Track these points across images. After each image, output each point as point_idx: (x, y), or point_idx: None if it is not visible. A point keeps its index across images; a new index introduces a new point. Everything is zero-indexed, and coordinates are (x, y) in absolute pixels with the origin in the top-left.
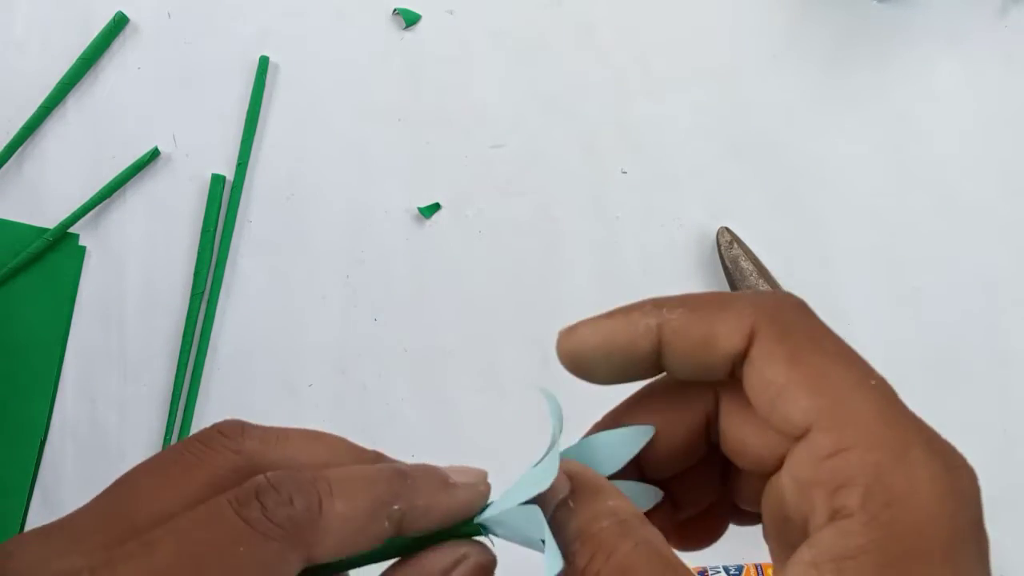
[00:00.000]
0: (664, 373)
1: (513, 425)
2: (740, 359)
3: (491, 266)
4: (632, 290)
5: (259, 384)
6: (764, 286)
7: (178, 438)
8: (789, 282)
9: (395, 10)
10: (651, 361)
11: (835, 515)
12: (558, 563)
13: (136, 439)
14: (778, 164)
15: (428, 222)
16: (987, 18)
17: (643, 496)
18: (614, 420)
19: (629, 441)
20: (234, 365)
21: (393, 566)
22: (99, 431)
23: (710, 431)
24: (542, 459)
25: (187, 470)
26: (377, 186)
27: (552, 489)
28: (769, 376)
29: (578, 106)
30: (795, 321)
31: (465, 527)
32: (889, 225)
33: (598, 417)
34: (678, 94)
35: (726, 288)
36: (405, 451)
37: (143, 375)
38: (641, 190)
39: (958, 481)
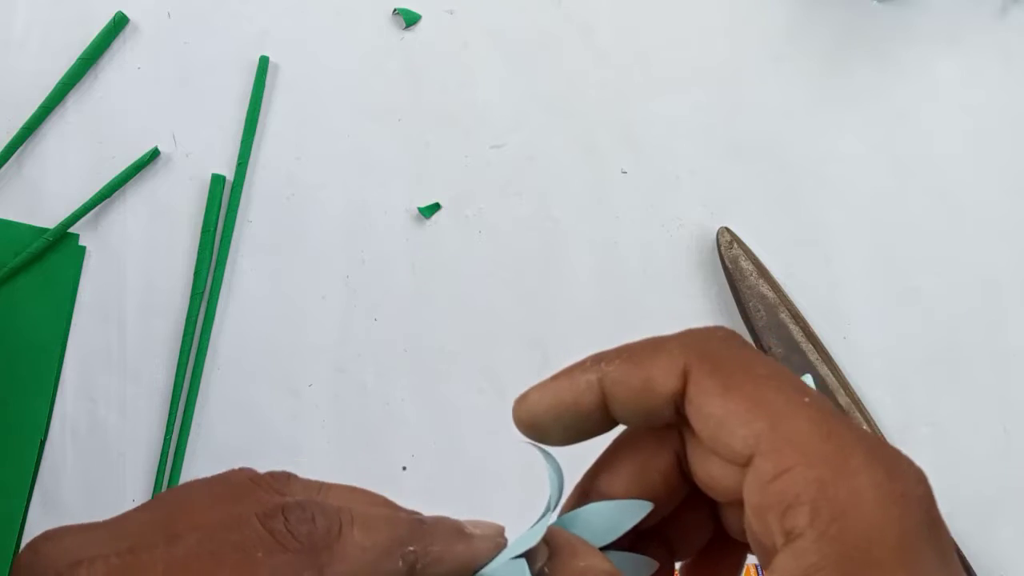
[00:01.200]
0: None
1: (513, 425)
2: (680, 398)
3: (491, 266)
4: (632, 290)
5: (259, 384)
6: (764, 286)
7: (178, 438)
8: (789, 282)
9: (395, 10)
10: (600, 415)
11: (788, 537)
12: None
13: (136, 439)
14: (778, 164)
15: (428, 222)
16: (987, 18)
17: (636, 567)
18: (591, 478)
19: (626, 512)
20: (234, 365)
21: None
22: (99, 431)
23: (684, 470)
24: (536, 522)
25: (235, 497)
26: (377, 186)
27: (532, 554)
28: (707, 411)
29: (578, 106)
30: (724, 352)
31: None
32: (889, 225)
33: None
34: (678, 94)
35: (726, 289)
36: (405, 451)
37: (143, 375)
38: (641, 190)
39: (902, 485)
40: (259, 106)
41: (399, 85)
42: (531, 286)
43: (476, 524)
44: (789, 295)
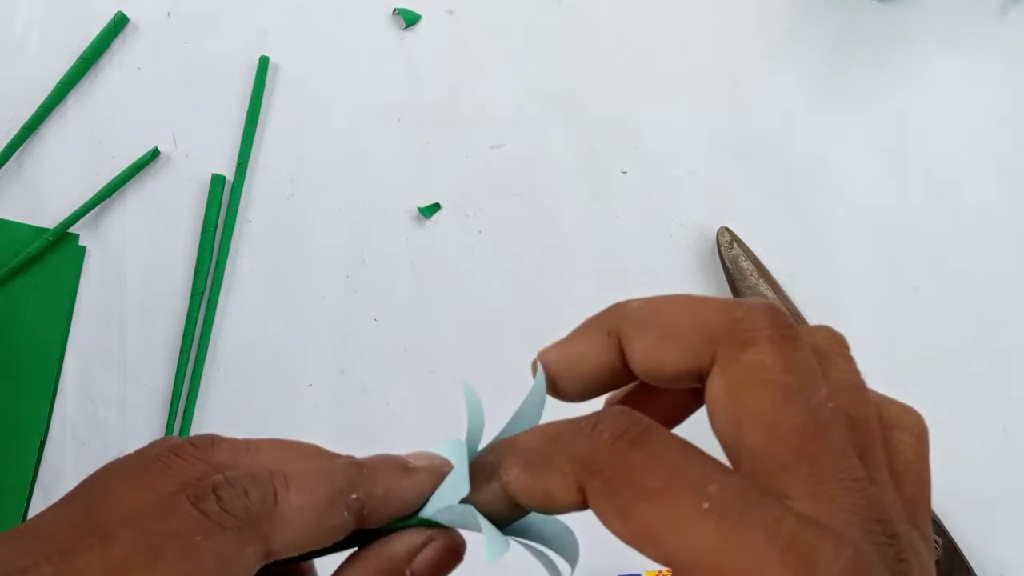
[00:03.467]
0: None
1: None
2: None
3: (491, 266)
4: (632, 290)
5: (259, 384)
6: (764, 286)
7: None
8: (789, 282)
9: (395, 10)
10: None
11: None
12: (503, 547)
13: (136, 439)
14: (778, 164)
15: (428, 222)
16: (987, 18)
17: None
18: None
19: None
20: (234, 365)
21: (357, 551)
22: (99, 431)
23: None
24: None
25: (157, 476)
26: (377, 186)
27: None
28: (617, 534)
29: (578, 106)
30: (614, 471)
31: (418, 521)
32: (889, 225)
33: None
34: (678, 94)
35: (726, 289)
36: (405, 451)
37: (143, 375)
38: (641, 190)
39: None
40: (259, 106)
41: (399, 85)
42: (531, 286)
43: (418, 456)
44: (789, 295)
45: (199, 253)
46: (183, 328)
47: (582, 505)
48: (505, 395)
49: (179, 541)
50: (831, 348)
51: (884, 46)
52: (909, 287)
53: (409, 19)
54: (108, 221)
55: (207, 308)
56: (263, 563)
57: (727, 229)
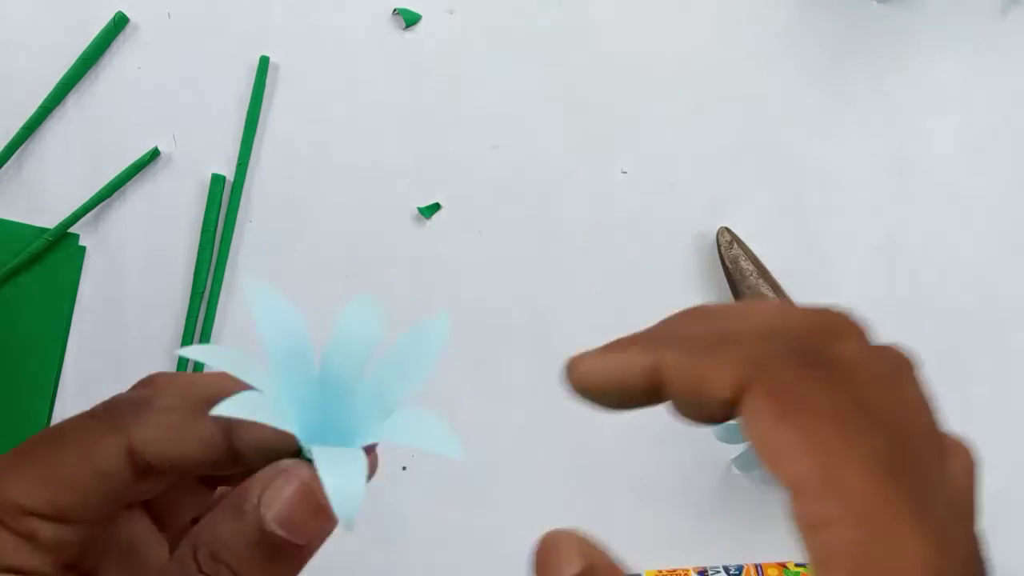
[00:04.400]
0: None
1: (513, 425)
2: (735, 406)
3: (491, 266)
4: (632, 290)
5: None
6: (764, 286)
7: None
8: (789, 282)
9: (395, 10)
10: (653, 395)
11: None
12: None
13: None
14: (778, 164)
15: (428, 222)
16: (987, 18)
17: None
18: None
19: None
20: None
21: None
22: None
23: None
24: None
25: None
26: (377, 186)
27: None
28: (757, 433)
29: (578, 106)
30: (787, 374)
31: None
32: (889, 225)
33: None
34: (678, 94)
35: (726, 289)
36: (405, 451)
37: (143, 375)
38: (641, 190)
39: (948, 559)
40: (259, 106)
41: (399, 85)
42: (531, 286)
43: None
44: (789, 295)
45: (199, 253)
46: (183, 328)
47: (730, 402)
48: (504, 395)
49: (54, 431)
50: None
51: (884, 46)
52: (909, 287)
53: (409, 19)
54: (108, 221)
55: (207, 308)
56: (130, 460)
57: (727, 229)
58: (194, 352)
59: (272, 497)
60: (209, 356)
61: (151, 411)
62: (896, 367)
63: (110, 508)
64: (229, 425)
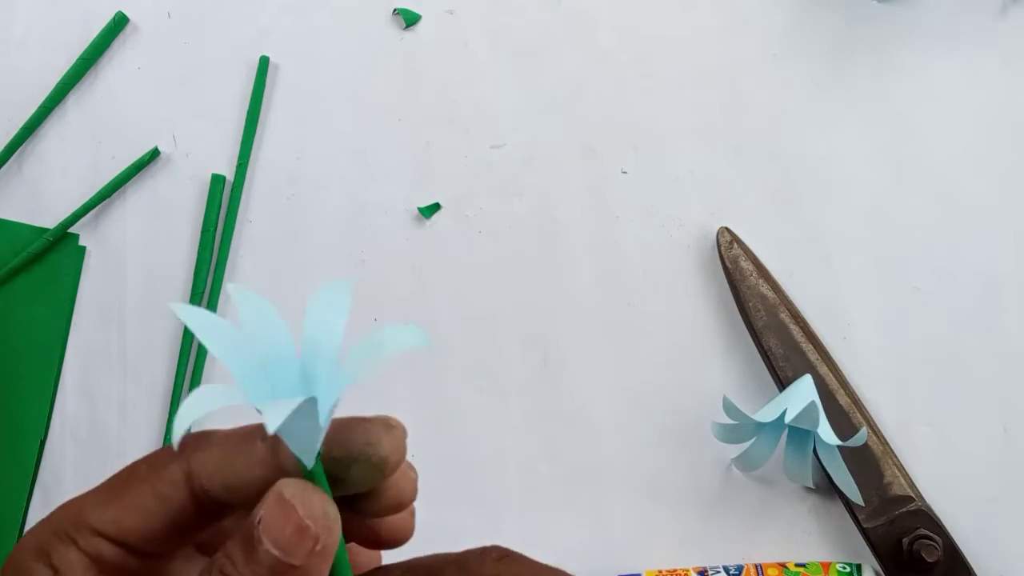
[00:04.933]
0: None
1: (513, 425)
2: None
3: (491, 266)
4: (632, 290)
5: None
6: (764, 286)
7: None
8: (789, 282)
9: (395, 10)
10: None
11: None
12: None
13: (136, 439)
14: (778, 164)
15: (428, 222)
16: (987, 18)
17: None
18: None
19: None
20: None
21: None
22: (99, 431)
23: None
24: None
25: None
26: (377, 186)
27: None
28: None
29: (578, 106)
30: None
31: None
32: (889, 225)
33: None
34: (678, 94)
35: (726, 290)
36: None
37: (143, 375)
38: (641, 190)
39: None
40: (259, 106)
41: (399, 85)
42: (531, 286)
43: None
44: (789, 295)
45: (199, 253)
46: (183, 328)
47: None
48: (504, 395)
49: (137, 462)
50: None
51: (884, 46)
52: (909, 287)
53: (409, 19)
54: (108, 221)
55: (207, 308)
56: (188, 484)
57: (727, 229)
58: (185, 313)
59: (261, 514)
60: (197, 319)
61: (210, 440)
62: None
63: (168, 535)
64: (277, 446)
